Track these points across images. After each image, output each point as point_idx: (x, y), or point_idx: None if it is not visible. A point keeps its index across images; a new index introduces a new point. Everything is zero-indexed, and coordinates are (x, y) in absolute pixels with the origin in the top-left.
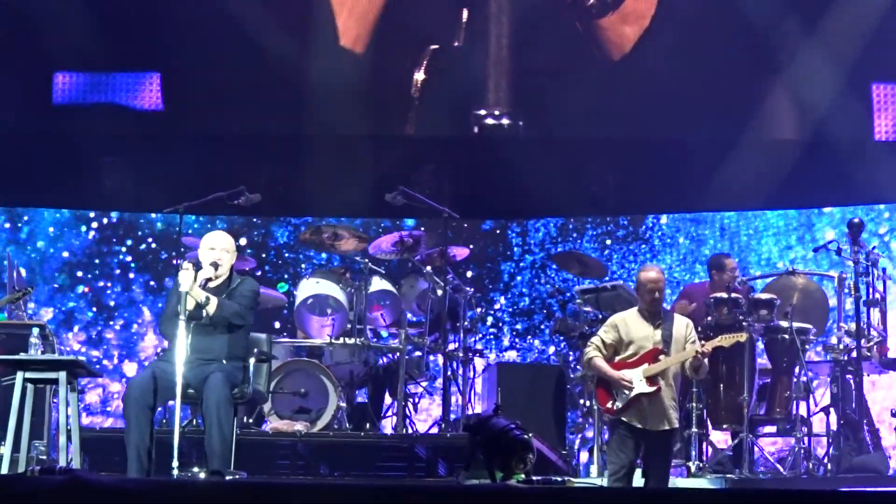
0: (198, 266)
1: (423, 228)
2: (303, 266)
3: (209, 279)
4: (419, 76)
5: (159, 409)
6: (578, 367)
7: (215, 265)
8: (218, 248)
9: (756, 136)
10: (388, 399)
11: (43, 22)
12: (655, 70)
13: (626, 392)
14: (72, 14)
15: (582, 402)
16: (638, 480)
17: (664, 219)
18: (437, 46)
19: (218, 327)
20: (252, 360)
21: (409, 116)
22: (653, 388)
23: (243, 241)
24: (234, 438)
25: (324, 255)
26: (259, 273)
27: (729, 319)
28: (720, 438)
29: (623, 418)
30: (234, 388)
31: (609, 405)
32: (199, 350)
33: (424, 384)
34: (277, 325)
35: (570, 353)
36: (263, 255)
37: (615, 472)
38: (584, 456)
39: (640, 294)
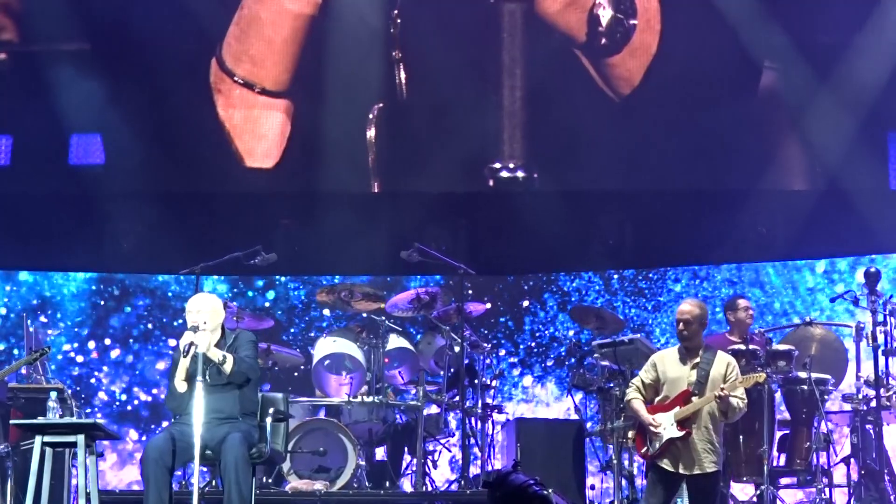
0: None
1: (438, 286)
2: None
3: (191, 344)
4: (370, 133)
5: (178, 471)
6: (597, 421)
7: (194, 329)
8: (204, 311)
9: (771, 186)
10: (407, 457)
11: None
12: (670, 122)
13: (657, 437)
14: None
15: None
16: None
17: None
18: (381, 105)
19: (229, 385)
20: (269, 420)
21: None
22: (682, 433)
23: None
24: (252, 499)
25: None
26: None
27: (747, 371)
28: (741, 490)
29: (657, 462)
30: (252, 448)
31: (644, 450)
32: (213, 410)
33: (444, 441)
34: (290, 388)
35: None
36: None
37: None
38: None
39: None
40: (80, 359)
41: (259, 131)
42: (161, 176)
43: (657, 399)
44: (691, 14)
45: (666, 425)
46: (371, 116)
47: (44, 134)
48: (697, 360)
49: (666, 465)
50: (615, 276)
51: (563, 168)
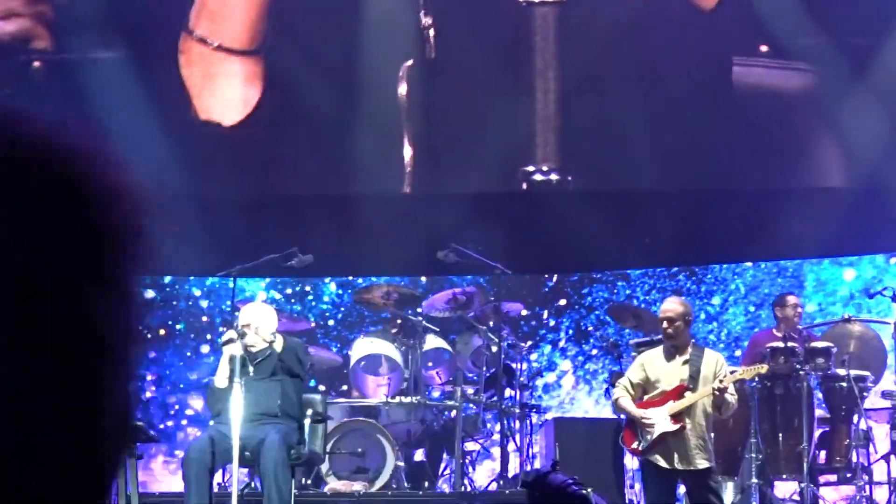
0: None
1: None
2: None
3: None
4: (402, 90)
5: (218, 471)
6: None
7: (241, 333)
8: (254, 319)
9: (807, 184)
10: (445, 457)
11: None
12: (703, 120)
13: (649, 431)
14: None
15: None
16: None
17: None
18: (411, 62)
19: (273, 380)
20: (307, 421)
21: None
22: (676, 426)
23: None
24: (291, 500)
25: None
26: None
27: (786, 369)
28: (780, 488)
29: (649, 458)
30: (291, 450)
31: (634, 445)
32: (255, 407)
33: (484, 442)
34: (322, 387)
35: None
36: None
37: None
38: None
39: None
40: None
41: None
42: (194, 179)
43: (647, 396)
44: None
45: (659, 419)
46: (403, 117)
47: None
48: (687, 356)
49: (658, 460)
50: (652, 275)
51: (598, 169)
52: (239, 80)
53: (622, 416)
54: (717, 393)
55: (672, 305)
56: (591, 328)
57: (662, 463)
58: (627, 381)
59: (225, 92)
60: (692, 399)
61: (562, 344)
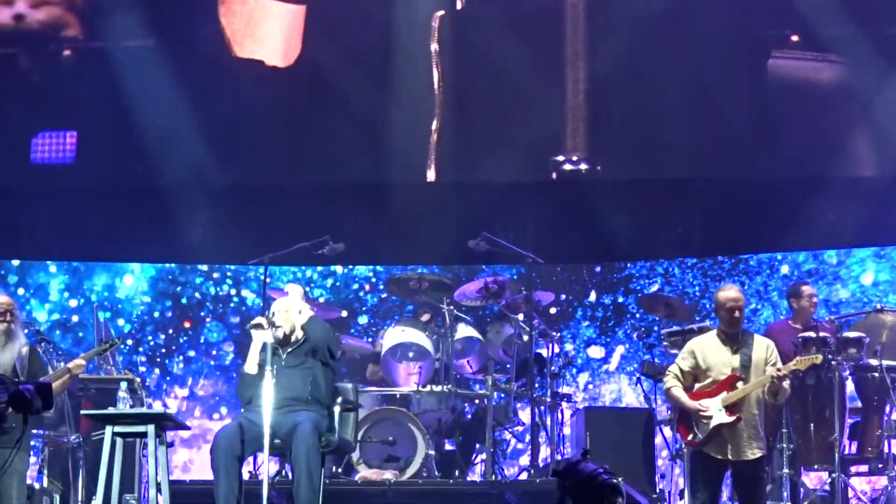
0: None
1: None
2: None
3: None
4: (434, 46)
5: (247, 459)
6: (667, 408)
7: (271, 322)
8: (290, 307)
9: (840, 173)
10: (476, 446)
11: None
12: (736, 111)
13: (706, 423)
14: None
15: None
16: None
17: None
18: (442, 12)
19: (304, 367)
20: (337, 409)
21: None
22: (732, 418)
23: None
24: (322, 488)
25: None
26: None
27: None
28: (812, 479)
29: (704, 450)
30: (321, 437)
31: (690, 438)
32: (285, 395)
33: (517, 429)
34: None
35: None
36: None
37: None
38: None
39: (719, 315)
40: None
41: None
42: (227, 168)
43: (698, 386)
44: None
45: (714, 410)
46: (437, 110)
47: (109, 128)
48: (738, 345)
49: (713, 452)
50: (683, 265)
51: (628, 158)
52: (281, 27)
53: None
54: (776, 380)
55: (740, 294)
56: (623, 318)
57: (717, 454)
58: (678, 370)
59: (267, 37)
60: (746, 390)
61: (592, 335)
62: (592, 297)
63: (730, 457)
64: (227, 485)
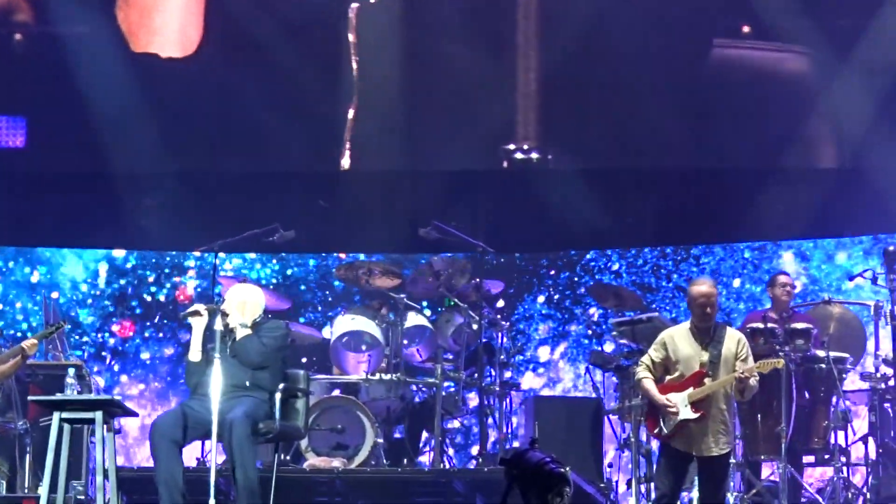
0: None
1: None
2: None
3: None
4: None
5: (188, 445)
6: (615, 399)
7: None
8: (245, 298)
9: (793, 164)
10: (425, 434)
11: None
12: (690, 101)
13: (672, 418)
14: None
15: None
16: None
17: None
18: (357, 4)
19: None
20: (278, 396)
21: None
22: (697, 415)
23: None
24: (257, 475)
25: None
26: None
27: (765, 350)
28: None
29: (670, 443)
30: (260, 424)
31: (656, 431)
32: (228, 376)
33: (463, 420)
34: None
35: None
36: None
37: (661, 498)
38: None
39: (691, 309)
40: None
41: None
42: (179, 154)
43: (668, 378)
44: None
45: (680, 406)
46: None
47: (60, 114)
48: (709, 339)
49: (679, 445)
50: (633, 255)
51: (579, 148)
52: (176, 15)
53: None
54: (740, 380)
55: (713, 289)
56: (572, 307)
57: (683, 448)
58: (649, 360)
59: (162, 26)
60: (711, 388)
61: (540, 324)
62: (542, 287)
63: (697, 451)
64: (166, 470)
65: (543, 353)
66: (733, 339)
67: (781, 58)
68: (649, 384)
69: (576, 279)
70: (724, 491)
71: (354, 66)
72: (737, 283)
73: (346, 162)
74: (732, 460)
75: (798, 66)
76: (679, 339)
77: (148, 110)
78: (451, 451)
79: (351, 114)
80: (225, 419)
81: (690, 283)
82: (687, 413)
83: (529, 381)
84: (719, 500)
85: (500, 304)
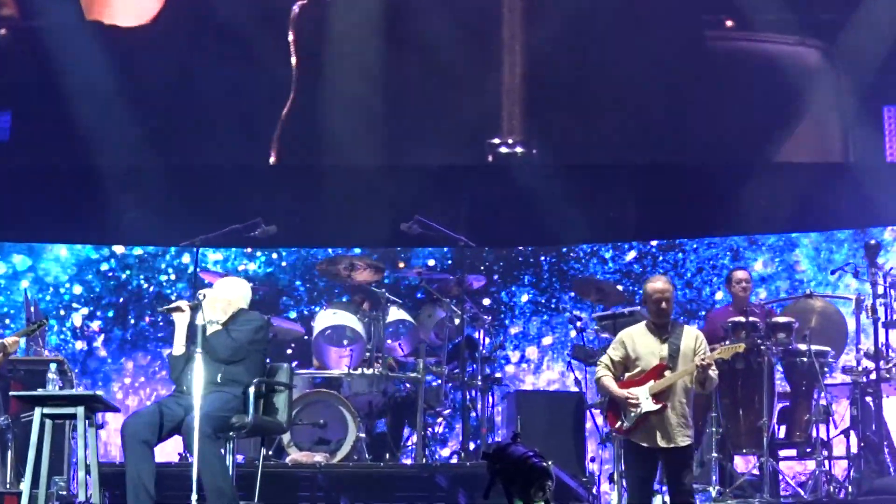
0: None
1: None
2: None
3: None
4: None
5: (162, 443)
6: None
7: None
8: (226, 292)
9: (773, 159)
10: (407, 429)
11: None
12: (670, 96)
13: (633, 411)
14: None
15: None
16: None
17: None
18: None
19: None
20: (251, 390)
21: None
22: (658, 406)
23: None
24: (227, 472)
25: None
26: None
27: (747, 343)
28: (741, 463)
29: (632, 439)
30: (233, 419)
31: (618, 425)
32: (207, 380)
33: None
34: (289, 351)
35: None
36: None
37: (631, 491)
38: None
39: (647, 306)
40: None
41: None
42: (161, 149)
43: (628, 375)
44: None
45: (642, 399)
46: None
47: (44, 108)
48: (667, 334)
49: (641, 439)
50: (616, 249)
51: (563, 142)
52: None
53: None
54: (701, 368)
55: (668, 285)
56: (555, 302)
57: (644, 442)
58: (608, 360)
59: None
60: (672, 378)
61: (523, 319)
62: (525, 282)
63: (659, 444)
64: (133, 469)
65: (526, 348)
66: (691, 336)
67: (766, 52)
68: (609, 381)
69: (558, 274)
70: (690, 482)
71: (294, 63)
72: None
73: (272, 159)
74: (714, 454)
75: (781, 60)
76: (637, 336)
77: (130, 105)
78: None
79: (285, 110)
80: (185, 420)
81: (646, 280)
82: (649, 405)
83: (512, 375)
84: (686, 491)
85: (487, 301)
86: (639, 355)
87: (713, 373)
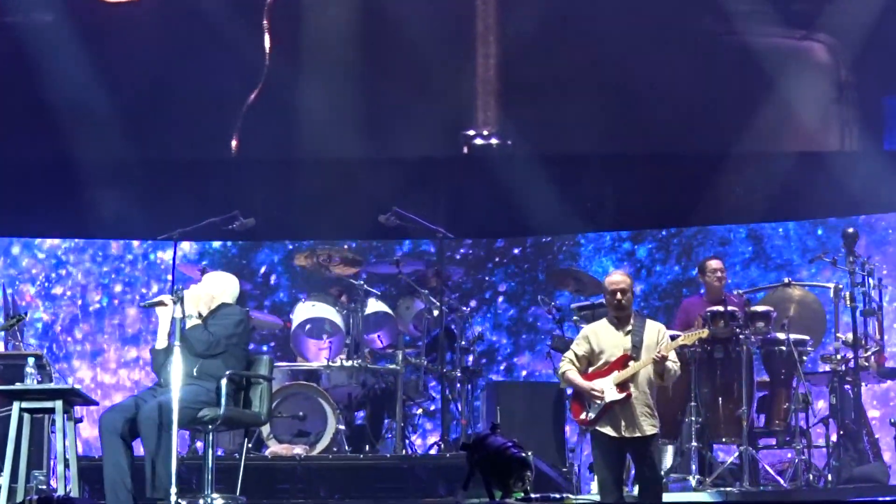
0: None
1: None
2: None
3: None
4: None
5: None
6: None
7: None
8: (211, 286)
9: (751, 148)
10: (386, 421)
11: None
12: (646, 86)
13: (598, 401)
14: None
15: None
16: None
17: None
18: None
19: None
20: (223, 382)
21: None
22: (622, 395)
23: None
24: (169, 466)
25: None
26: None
27: (726, 332)
28: (719, 451)
29: (598, 428)
30: (204, 411)
31: (582, 416)
32: (184, 372)
33: (425, 406)
34: (265, 348)
35: None
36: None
37: (602, 484)
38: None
39: (606, 299)
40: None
41: None
42: (139, 142)
43: (592, 368)
44: None
45: (606, 389)
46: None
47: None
48: (630, 327)
49: (607, 430)
50: (593, 239)
51: (538, 133)
52: None
53: (569, 390)
54: (657, 360)
55: (623, 277)
56: (532, 292)
57: (611, 432)
58: (573, 355)
59: None
60: (636, 367)
61: (501, 310)
62: (503, 266)
63: (624, 433)
64: (110, 464)
65: (504, 339)
66: (654, 329)
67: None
68: (573, 374)
69: (534, 265)
70: (658, 469)
71: (267, 50)
72: None
73: (233, 147)
74: (694, 443)
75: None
76: (601, 331)
77: (108, 97)
78: (413, 437)
79: (250, 99)
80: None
81: (607, 275)
82: (612, 394)
83: (491, 366)
84: (655, 479)
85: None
86: (602, 349)
87: (673, 364)
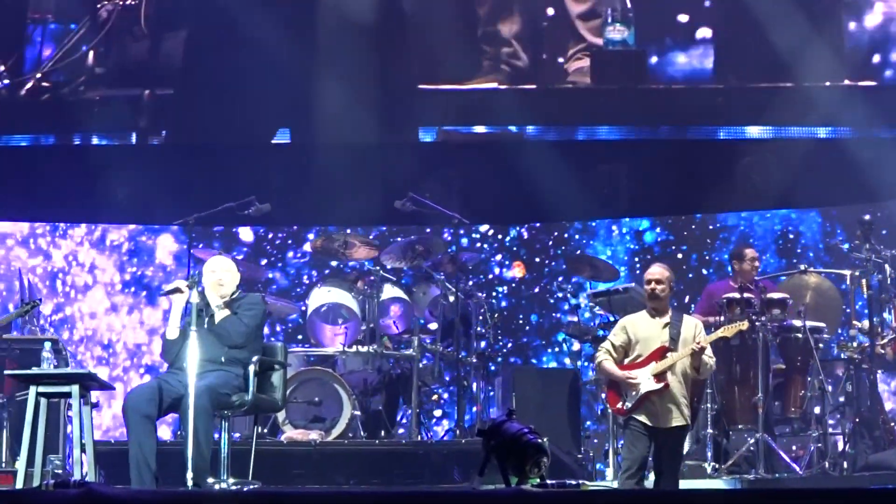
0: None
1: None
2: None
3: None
4: None
5: (163, 418)
6: (592, 370)
7: (193, 282)
8: (219, 271)
9: (766, 135)
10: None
11: None
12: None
13: (635, 391)
14: None
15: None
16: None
17: None
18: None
19: (222, 337)
20: (252, 368)
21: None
22: (660, 385)
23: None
24: (210, 448)
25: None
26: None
27: (742, 319)
28: (736, 438)
29: (634, 416)
30: (233, 397)
31: (619, 405)
32: (203, 351)
33: (440, 391)
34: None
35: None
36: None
37: (627, 469)
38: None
39: (644, 289)
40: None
41: None
42: (154, 127)
43: (628, 359)
44: None
45: (643, 379)
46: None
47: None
48: (667, 319)
49: (643, 418)
50: (610, 225)
51: (556, 119)
52: None
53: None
54: (696, 351)
55: (660, 269)
56: (549, 279)
57: (647, 421)
58: (610, 345)
59: None
60: (675, 359)
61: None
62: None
63: (659, 423)
64: (136, 445)
65: (520, 324)
66: (691, 324)
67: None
68: (609, 364)
69: (552, 250)
70: (680, 461)
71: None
72: None
73: None
74: (710, 430)
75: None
76: (639, 322)
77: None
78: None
79: None
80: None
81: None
82: (650, 384)
83: (507, 352)
84: (675, 469)
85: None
86: (640, 339)
87: (710, 359)
